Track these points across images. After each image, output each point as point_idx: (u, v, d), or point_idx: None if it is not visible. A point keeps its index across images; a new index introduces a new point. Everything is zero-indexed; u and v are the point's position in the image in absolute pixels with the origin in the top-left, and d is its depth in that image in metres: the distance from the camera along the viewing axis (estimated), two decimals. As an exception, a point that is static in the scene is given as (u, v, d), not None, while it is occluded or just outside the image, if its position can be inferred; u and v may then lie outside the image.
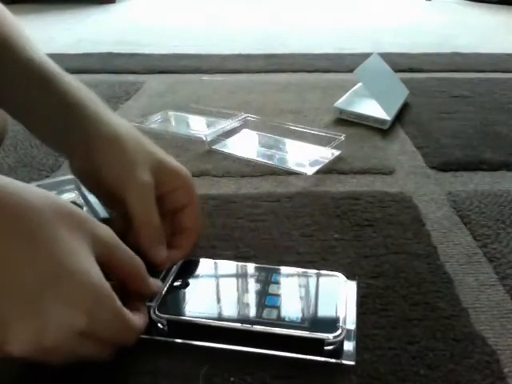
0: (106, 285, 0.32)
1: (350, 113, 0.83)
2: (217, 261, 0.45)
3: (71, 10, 2.20)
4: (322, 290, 0.41)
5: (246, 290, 0.41)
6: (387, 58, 1.01)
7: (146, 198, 0.41)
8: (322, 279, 0.42)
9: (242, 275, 0.44)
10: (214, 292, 0.41)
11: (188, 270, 0.43)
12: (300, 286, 0.42)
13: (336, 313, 0.38)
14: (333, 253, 0.48)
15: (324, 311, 0.38)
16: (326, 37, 1.59)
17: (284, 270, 0.43)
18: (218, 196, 0.59)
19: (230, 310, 0.38)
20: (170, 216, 0.45)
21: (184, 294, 0.40)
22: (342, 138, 0.69)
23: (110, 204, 0.48)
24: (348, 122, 0.82)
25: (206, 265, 0.44)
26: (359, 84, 0.91)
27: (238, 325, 0.37)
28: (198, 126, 0.83)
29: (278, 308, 0.38)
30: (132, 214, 0.41)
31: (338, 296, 0.40)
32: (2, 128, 0.59)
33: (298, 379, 0.35)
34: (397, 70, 1.01)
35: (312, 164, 0.66)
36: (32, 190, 0.31)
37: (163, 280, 0.41)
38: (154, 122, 0.84)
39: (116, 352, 0.34)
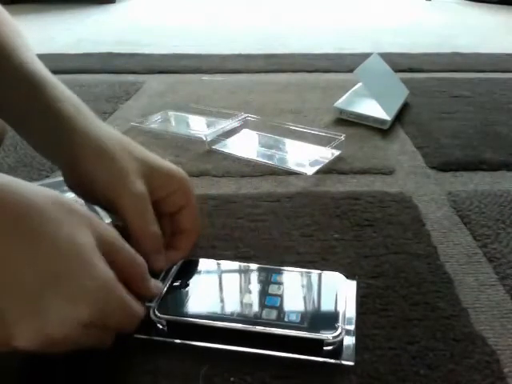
0: (112, 275, 0.32)
1: (349, 113, 0.83)
2: (217, 261, 0.45)
3: (71, 9, 2.21)
4: (322, 290, 0.41)
5: (245, 291, 0.41)
6: (387, 58, 1.01)
7: (140, 209, 0.40)
8: (321, 279, 0.42)
9: (241, 275, 0.43)
10: (214, 292, 0.41)
11: (188, 270, 0.43)
12: (300, 286, 0.42)
13: (336, 313, 0.38)
14: (333, 253, 0.48)
15: (324, 311, 0.38)
16: (326, 37, 1.59)
17: (284, 270, 0.43)
18: (217, 196, 0.59)
19: (229, 310, 0.38)
20: (168, 217, 0.45)
21: (184, 294, 0.40)
22: (342, 138, 0.69)
23: (109, 211, 0.48)
24: (348, 122, 0.82)
25: (205, 265, 0.44)
26: (359, 84, 0.91)
27: (237, 325, 0.37)
28: (198, 126, 0.83)
29: (277, 308, 0.38)
30: (128, 225, 0.40)
31: (337, 296, 0.40)
32: (1, 128, 0.59)
33: (297, 379, 0.35)
34: (397, 70, 1.01)
35: (312, 164, 0.66)
36: (35, 189, 0.31)
37: (163, 280, 0.41)
38: (154, 122, 0.83)
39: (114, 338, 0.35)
